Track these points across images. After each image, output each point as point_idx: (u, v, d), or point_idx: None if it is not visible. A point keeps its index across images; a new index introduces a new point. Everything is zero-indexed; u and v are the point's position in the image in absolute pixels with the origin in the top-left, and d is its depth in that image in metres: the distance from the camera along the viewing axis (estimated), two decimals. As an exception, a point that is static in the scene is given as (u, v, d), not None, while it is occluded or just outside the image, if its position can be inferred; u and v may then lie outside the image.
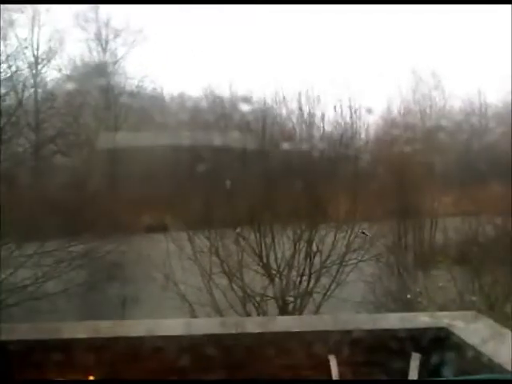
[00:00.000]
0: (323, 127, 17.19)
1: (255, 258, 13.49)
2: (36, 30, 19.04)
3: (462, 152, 21.20)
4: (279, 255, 13.44)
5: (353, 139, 15.94)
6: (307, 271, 13.48)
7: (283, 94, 16.47)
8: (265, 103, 16.17)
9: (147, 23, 25.75)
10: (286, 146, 16.20)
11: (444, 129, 21.68)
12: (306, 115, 17.04)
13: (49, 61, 18.93)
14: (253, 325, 4.45)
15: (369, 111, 16.67)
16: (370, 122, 17.64)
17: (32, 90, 17.83)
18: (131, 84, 22.02)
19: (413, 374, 3.49)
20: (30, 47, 18.04)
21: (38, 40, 19.00)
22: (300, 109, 17.12)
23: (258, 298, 13.08)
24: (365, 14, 19.89)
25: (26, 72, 16.95)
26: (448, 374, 3.42)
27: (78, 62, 21.56)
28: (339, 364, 3.56)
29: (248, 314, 12.62)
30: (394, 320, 4.36)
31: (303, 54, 21.22)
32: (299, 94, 16.82)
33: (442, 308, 10.35)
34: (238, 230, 13.43)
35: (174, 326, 4.31)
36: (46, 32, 19.26)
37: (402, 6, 16.39)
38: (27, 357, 3.52)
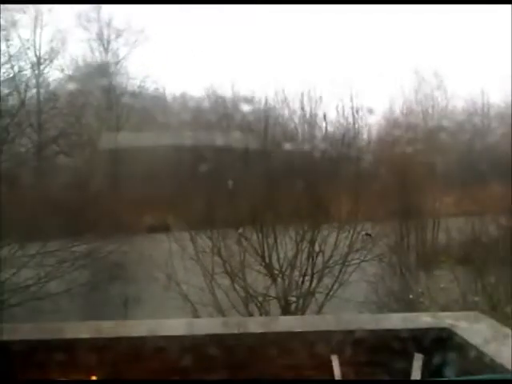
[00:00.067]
0: (325, 127, 17.20)
1: (257, 258, 13.48)
2: (38, 30, 19.12)
3: (465, 152, 21.18)
4: (281, 255, 13.43)
5: (355, 139, 15.92)
6: (310, 271, 13.46)
7: (285, 94, 16.50)
8: (267, 103, 16.18)
9: (149, 23, 25.86)
10: (288, 146, 16.20)
11: (446, 129, 21.67)
12: (307, 115, 17.06)
13: (51, 61, 18.98)
14: (255, 325, 4.44)
15: (370, 111, 16.67)
16: (372, 122, 17.67)
17: (34, 90, 17.89)
18: (133, 84, 22.10)
19: (415, 375, 3.49)
20: (32, 47, 18.11)
21: (40, 40, 19.08)
22: (302, 109, 17.14)
23: (260, 298, 13.07)
24: (366, 14, 19.91)
25: (28, 72, 17.00)
26: (450, 374, 3.42)
27: (80, 62, 21.64)
28: (341, 364, 3.56)
29: (250, 314, 12.61)
30: (396, 320, 4.35)
31: (305, 54, 21.27)
32: (301, 94, 16.85)
33: (445, 308, 10.33)
34: (241, 230, 13.44)
35: (176, 326, 4.31)
36: (48, 32, 19.35)
37: (404, 6, 16.42)
38: (30, 357, 3.52)
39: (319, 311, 12.97)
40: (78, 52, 22.31)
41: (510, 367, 2.94)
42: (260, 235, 13.46)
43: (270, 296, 13.13)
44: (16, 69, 15.87)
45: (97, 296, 13.58)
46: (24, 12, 16.22)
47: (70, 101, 18.08)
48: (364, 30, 22.53)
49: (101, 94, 21.24)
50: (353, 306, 12.90)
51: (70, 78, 19.97)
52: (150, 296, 13.29)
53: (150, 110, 22.43)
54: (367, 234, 14.24)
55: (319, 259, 13.52)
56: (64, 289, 12.70)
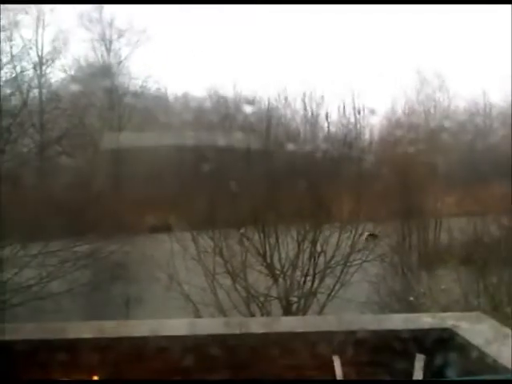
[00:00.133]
0: (327, 127, 17.20)
1: (259, 258, 13.48)
2: (40, 30, 19.17)
3: (466, 152, 21.16)
4: (283, 255, 13.43)
5: (357, 139, 15.91)
6: (311, 271, 13.46)
7: (287, 94, 16.50)
8: (269, 103, 16.18)
9: (151, 23, 25.92)
10: (290, 146, 16.20)
11: (448, 129, 21.65)
12: (309, 116, 17.06)
13: (53, 61, 19.01)
14: (257, 325, 4.44)
15: (372, 112, 16.66)
16: (375, 122, 17.66)
17: (36, 90, 17.90)
18: (135, 84, 22.10)
19: (417, 375, 3.49)
20: (34, 48, 18.15)
21: (42, 40, 19.12)
22: (304, 109, 17.14)
23: (261, 299, 13.07)
24: (368, 14, 19.92)
25: (30, 72, 17.03)
26: (452, 374, 3.42)
27: (83, 63, 21.66)
28: (343, 364, 3.56)
29: (252, 315, 12.62)
30: (398, 321, 4.35)
31: (307, 54, 21.26)
32: (303, 95, 16.84)
33: (446, 309, 10.32)
34: (242, 230, 13.44)
35: (177, 326, 4.31)
36: (50, 32, 19.40)
37: (405, 6, 16.41)
38: (32, 356, 3.53)
39: (321, 312, 12.97)
40: (81, 52, 22.36)
41: (511, 367, 2.94)
42: (262, 235, 13.46)
43: (271, 296, 13.13)
44: (18, 69, 15.93)
45: (98, 296, 13.59)
46: (26, 12, 16.27)
47: (73, 101, 18.10)
48: (365, 30, 22.54)
49: (103, 94, 21.25)
50: (354, 306, 12.90)
51: (72, 79, 20.00)
52: (151, 296, 13.30)
53: (151, 110, 22.44)
54: (371, 235, 14.23)
55: (321, 259, 13.52)
56: (66, 289, 12.72)
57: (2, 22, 14.31)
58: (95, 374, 3.57)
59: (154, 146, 16.30)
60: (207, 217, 13.78)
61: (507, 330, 3.66)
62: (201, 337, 3.71)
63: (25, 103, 15.02)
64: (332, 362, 3.57)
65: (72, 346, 3.56)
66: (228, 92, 20.60)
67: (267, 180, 14.32)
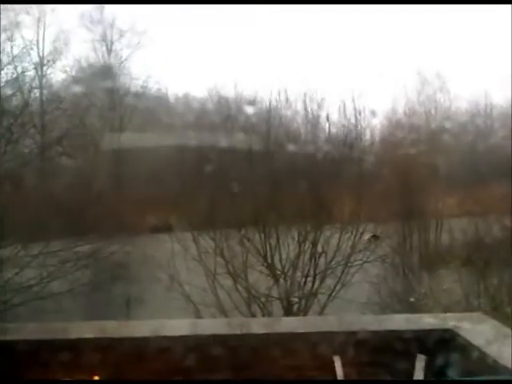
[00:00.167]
0: (328, 128, 17.18)
1: (260, 259, 13.49)
2: (41, 30, 19.18)
3: (467, 153, 21.15)
4: (284, 256, 13.43)
5: (357, 140, 15.90)
6: (312, 272, 13.46)
7: (287, 95, 16.47)
8: (270, 104, 16.15)
9: (152, 24, 25.90)
10: (291, 147, 16.19)
11: (449, 130, 21.65)
12: (310, 116, 17.05)
13: (54, 62, 19.02)
14: (258, 325, 4.44)
15: (373, 113, 16.63)
16: (375, 123, 17.64)
17: (37, 91, 17.92)
18: (136, 85, 22.10)
19: (418, 376, 3.49)
20: (35, 48, 18.16)
21: (43, 40, 19.14)
22: (305, 110, 17.13)
23: (262, 299, 13.08)
24: (368, 15, 19.92)
25: (31, 73, 17.05)
26: (453, 375, 3.42)
27: (84, 63, 21.67)
28: (344, 365, 3.56)
29: (253, 315, 12.62)
30: (399, 321, 4.35)
31: (307, 54, 21.24)
32: (304, 95, 16.83)
33: (447, 310, 10.32)
34: (243, 231, 13.44)
35: (178, 326, 4.31)
36: (51, 32, 19.42)
37: (405, 6, 16.41)
38: (34, 356, 3.53)
39: (321, 312, 12.97)
40: (82, 52, 22.37)
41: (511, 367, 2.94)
42: (263, 236, 13.46)
43: (272, 297, 13.13)
44: (19, 69, 15.95)
45: (99, 296, 13.59)
46: (27, 12, 16.29)
47: (74, 101, 18.11)
48: (366, 30, 22.53)
49: (104, 95, 21.26)
50: (355, 306, 12.89)
51: (74, 79, 20.01)
52: (152, 296, 13.30)
53: (153, 110, 22.45)
54: (374, 236, 14.22)
55: (322, 260, 13.52)
56: (67, 289, 12.73)
57: (3, 23, 14.36)
58: (96, 374, 3.58)
59: (154, 147, 16.31)
60: (208, 217, 13.78)
61: (508, 331, 3.66)
62: (202, 337, 3.71)
63: (26, 104, 15.03)
64: (333, 362, 3.57)
65: (73, 346, 3.57)
66: (229, 92, 20.59)
67: (268, 181, 14.32)
